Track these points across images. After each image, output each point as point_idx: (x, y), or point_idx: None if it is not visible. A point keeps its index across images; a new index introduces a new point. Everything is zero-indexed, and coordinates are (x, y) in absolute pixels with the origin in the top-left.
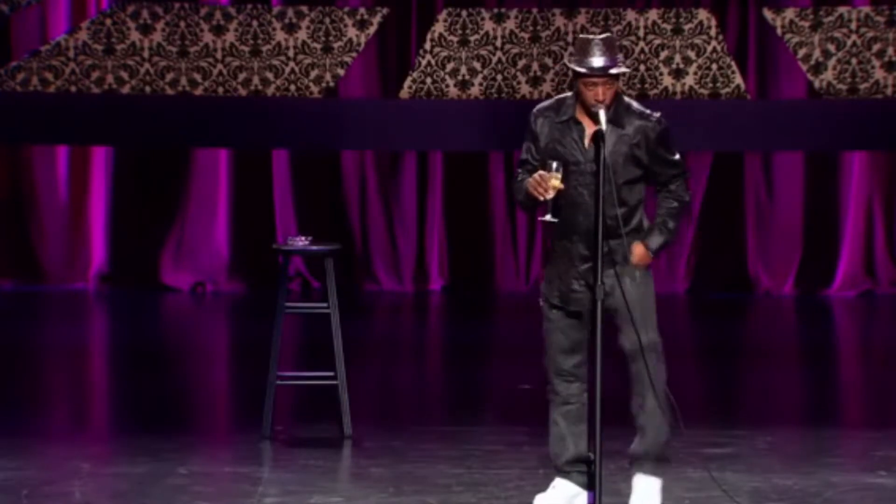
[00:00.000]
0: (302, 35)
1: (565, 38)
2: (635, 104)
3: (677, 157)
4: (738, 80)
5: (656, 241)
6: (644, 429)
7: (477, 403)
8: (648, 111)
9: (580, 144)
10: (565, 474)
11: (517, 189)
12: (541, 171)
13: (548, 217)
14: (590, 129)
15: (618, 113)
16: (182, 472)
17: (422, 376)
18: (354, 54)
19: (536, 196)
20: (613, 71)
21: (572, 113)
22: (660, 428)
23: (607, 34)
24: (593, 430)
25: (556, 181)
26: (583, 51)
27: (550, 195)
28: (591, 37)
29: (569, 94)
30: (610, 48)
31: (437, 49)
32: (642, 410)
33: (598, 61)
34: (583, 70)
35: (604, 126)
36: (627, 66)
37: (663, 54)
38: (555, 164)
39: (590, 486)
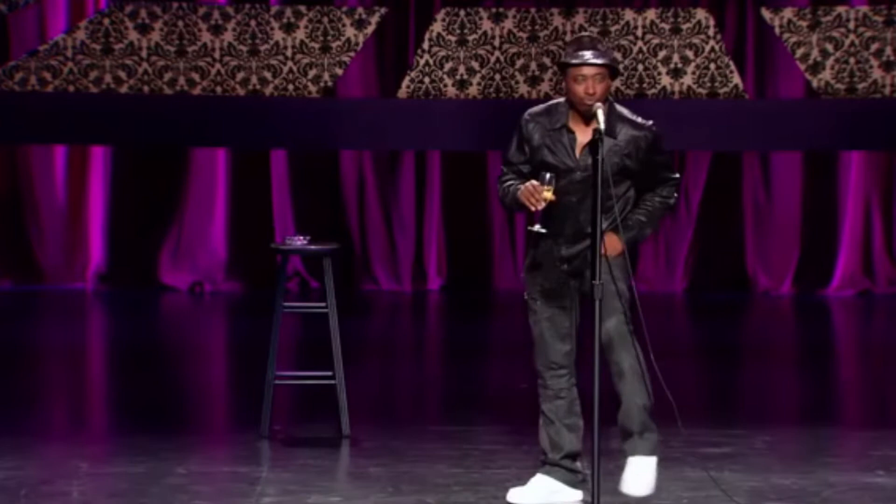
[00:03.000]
0: (300, 35)
1: (563, 38)
2: (627, 112)
3: (669, 166)
4: (737, 79)
5: (629, 232)
6: (623, 395)
7: (475, 403)
8: (640, 119)
9: (571, 153)
10: (550, 468)
11: (503, 191)
12: (534, 182)
13: (536, 227)
14: (581, 137)
15: (609, 122)
16: (180, 472)
17: (420, 376)
18: (352, 54)
19: (528, 206)
20: (600, 61)
21: (565, 121)
22: (639, 392)
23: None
24: (593, 430)
25: (548, 193)
26: (572, 45)
27: (542, 206)
28: (581, 34)
29: (561, 100)
30: (599, 43)
31: (435, 49)
32: (620, 378)
33: (586, 53)
34: (572, 61)
35: (602, 125)
36: (620, 64)
37: (661, 54)
38: (548, 176)
39: (574, 484)
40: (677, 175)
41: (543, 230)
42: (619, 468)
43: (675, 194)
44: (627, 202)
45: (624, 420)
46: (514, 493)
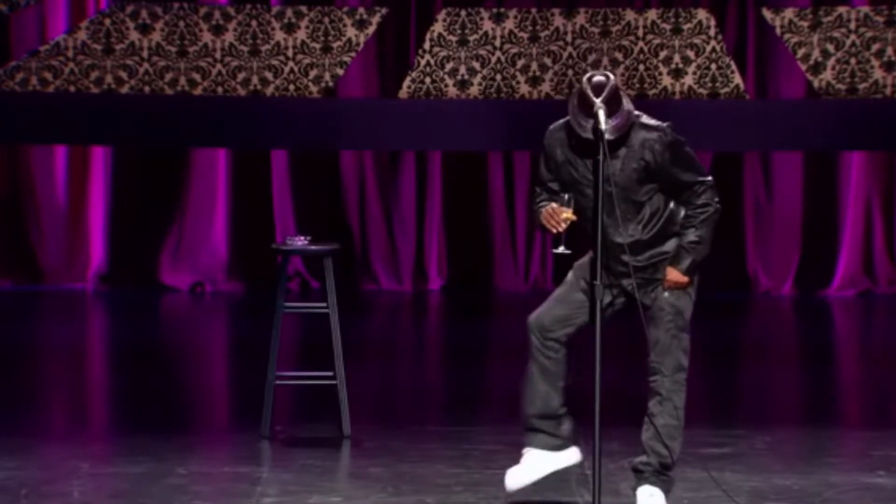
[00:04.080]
0: (301, 35)
1: (564, 38)
2: (644, 117)
3: (695, 170)
4: (737, 79)
5: (685, 261)
6: (645, 446)
7: (476, 403)
8: (655, 123)
9: (590, 164)
10: (534, 434)
11: (536, 213)
12: (553, 205)
13: (560, 249)
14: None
15: (627, 131)
16: (181, 472)
17: (421, 376)
18: (353, 54)
19: (549, 229)
20: (615, 125)
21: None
22: (661, 449)
23: (606, 89)
24: (594, 430)
25: (568, 214)
26: (584, 111)
27: (562, 228)
28: (594, 100)
29: None
30: (612, 104)
31: (436, 49)
32: (648, 431)
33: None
34: (589, 136)
35: (603, 125)
36: (623, 113)
37: (662, 54)
38: (566, 197)
39: (562, 447)
40: (708, 178)
41: (568, 251)
42: (621, 469)
43: (715, 198)
44: (662, 213)
45: (637, 463)
46: (511, 476)
